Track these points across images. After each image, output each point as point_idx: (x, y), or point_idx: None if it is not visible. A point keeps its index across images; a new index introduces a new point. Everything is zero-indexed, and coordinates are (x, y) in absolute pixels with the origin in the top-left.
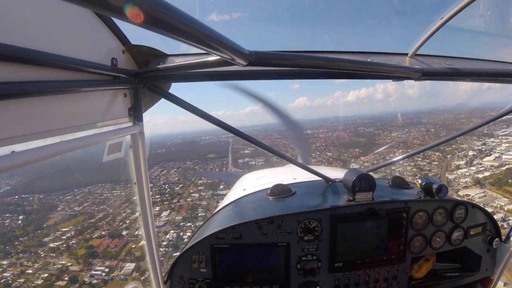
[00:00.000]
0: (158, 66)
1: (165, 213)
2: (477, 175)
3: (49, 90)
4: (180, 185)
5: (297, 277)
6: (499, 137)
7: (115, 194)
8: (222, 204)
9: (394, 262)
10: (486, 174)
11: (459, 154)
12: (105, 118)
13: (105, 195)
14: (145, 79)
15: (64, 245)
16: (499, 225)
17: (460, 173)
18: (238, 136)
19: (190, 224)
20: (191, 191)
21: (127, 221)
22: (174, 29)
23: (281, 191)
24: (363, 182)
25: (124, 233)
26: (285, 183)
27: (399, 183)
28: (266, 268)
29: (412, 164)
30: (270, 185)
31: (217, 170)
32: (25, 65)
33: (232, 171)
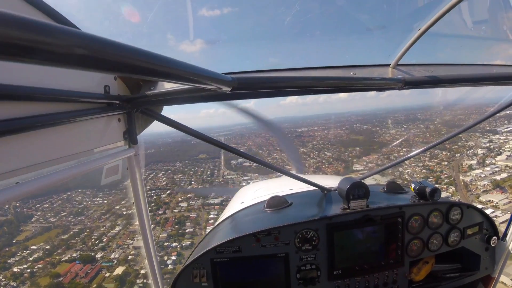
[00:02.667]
0: (150, 92)
1: None
2: (494, 177)
3: (48, 123)
4: (168, 192)
5: (298, 286)
6: (504, 134)
7: (96, 203)
8: (221, 218)
9: (393, 266)
10: (503, 175)
11: (468, 152)
12: (101, 143)
13: (84, 203)
14: (138, 104)
15: (29, 270)
16: None
17: (474, 174)
18: (235, 153)
19: (176, 244)
20: (179, 199)
21: (104, 239)
22: (158, 74)
23: (277, 203)
24: (357, 190)
25: (98, 256)
26: (281, 194)
27: (394, 188)
28: (266, 280)
29: (421, 165)
30: (267, 197)
31: (208, 173)
32: (23, 102)
33: (224, 173)
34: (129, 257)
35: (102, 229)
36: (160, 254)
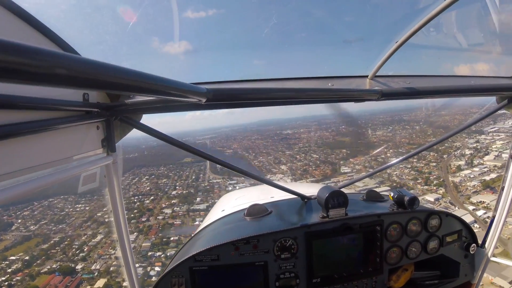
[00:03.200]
0: (129, 100)
1: (131, 237)
2: (483, 177)
3: (25, 131)
4: (151, 197)
5: None
6: (490, 134)
7: (77, 209)
8: (201, 226)
9: (372, 274)
10: (493, 176)
11: (455, 153)
12: (80, 151)
13: (66, 210)
14: (117, 112)
15: (7, 283)
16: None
17: (464, 175)
18: (216, 163)
19: (160, 253)
20: (163, 205)
21: (85, 248)
22: (132, 88)
23: (257, 211)
24: (336, 198)
25: (78, 267)
26: (262, 202)
27: (373, 196)
28: None
29: (409, 166)
30: (248, 205)
31: (193, 177)
32: (1, 110)
33: (210, 177)
34: (111, 268)
35: (83, 238)
36: (143, 264)
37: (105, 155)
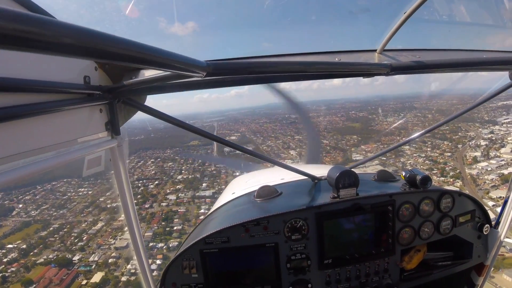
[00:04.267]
0: (131, 80)
1: None
2: (501, 171)
3: (26, 113)
4: (156, 182)
5: (288, 276)
6: (504, 125)
7: (80, 194)
8: (212, 208)
9: (384, 255)
10: (511, 169)
11: (470, 143)
12: (83, 134)
13: (68, 194)
14: (120, 94)
15: (1, 274)
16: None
17: (480, 167)
18: (222, 143)
19: (162, 245)
20: (168, 190)
21: (84, 237)
22: (128, 58)
23: (267, 193)
24: (346, 178)
25: (76, 258)
26: (272, 184)
27: (384, 176)
28: (256, 270)
29: (423, 155)
30: (258, 188)
31: (200, 161)
32: (1, 92)
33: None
34: (110, 260)
35: (83, 225)
36: None
37: (109, 138)
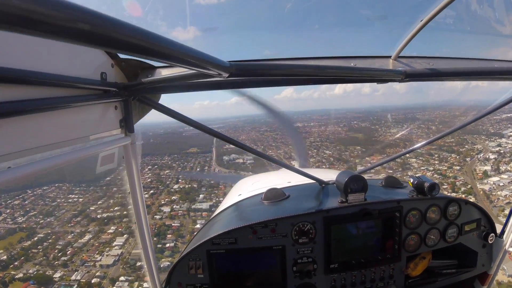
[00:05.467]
0: (147, 79)
1: (120, 240)
2: None
3: (43, 107)
4: (151, 191)
5: (294, 279)
6: (511, 138)
7: (70, 201)
8: (218, 209)
9: (390, 261)
10: None
11: (479, 156)
12: (97, 130)
13: (58, 201)
14: (135, 91)
15: None
16: None
17: (492, 182)
18: (233, 144)
19: None
20: (162, 201)
21: (69, 251)
22: (153, 53)
23: (275, 195)
24: (355, 183)
25: (57, 275)
26: (279, 187)
27: (392, 182)
28: (262, 272)
29: (431, 169)
30: (265, 190)
31: (198, 169)
32: (19, 85)
33: (216, 171)
34: (93, 279)
35: (69, 237)
36: (130, 277)
37: (123, 136)
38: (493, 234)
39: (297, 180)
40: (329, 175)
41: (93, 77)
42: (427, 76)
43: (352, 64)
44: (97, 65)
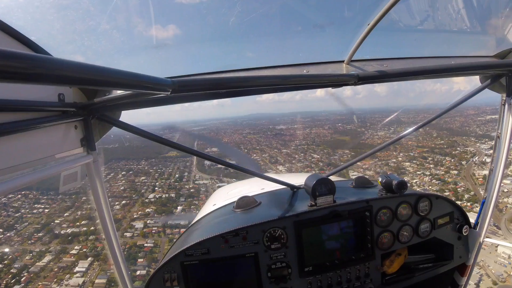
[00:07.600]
0: (104, 97)
1: (82, 265)
2: None
3: (2, 131)
4: (123, 201)
5: (269, 285)
6: None
7: (34, 211)
8: (193, 221)
9: (364, 260)
10: None
11: (474, 160)
12: (59, 151)
13: (22, 211)
14: (94, 110)
15: None
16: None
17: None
18: (202, 158)
19: None
20: (135, 215)
21: (24, 276)
22: (96, 83)
23: (246, 203)
24: (323, 186)
25: None
26: (252, 194)
27: (362, 182)
28: (238, 280)
29: (428, 173)
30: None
31: (177, 175)
32: None
33: (196, 176)
34: None
35: (27, 257)
36: None
37: (85, 154)
38: (467, 226)
39: (271, 186)
40: (301, 179)
41: (51, 99)
42: (380, 78)
43: (305, 71)
44: (54, 87)
